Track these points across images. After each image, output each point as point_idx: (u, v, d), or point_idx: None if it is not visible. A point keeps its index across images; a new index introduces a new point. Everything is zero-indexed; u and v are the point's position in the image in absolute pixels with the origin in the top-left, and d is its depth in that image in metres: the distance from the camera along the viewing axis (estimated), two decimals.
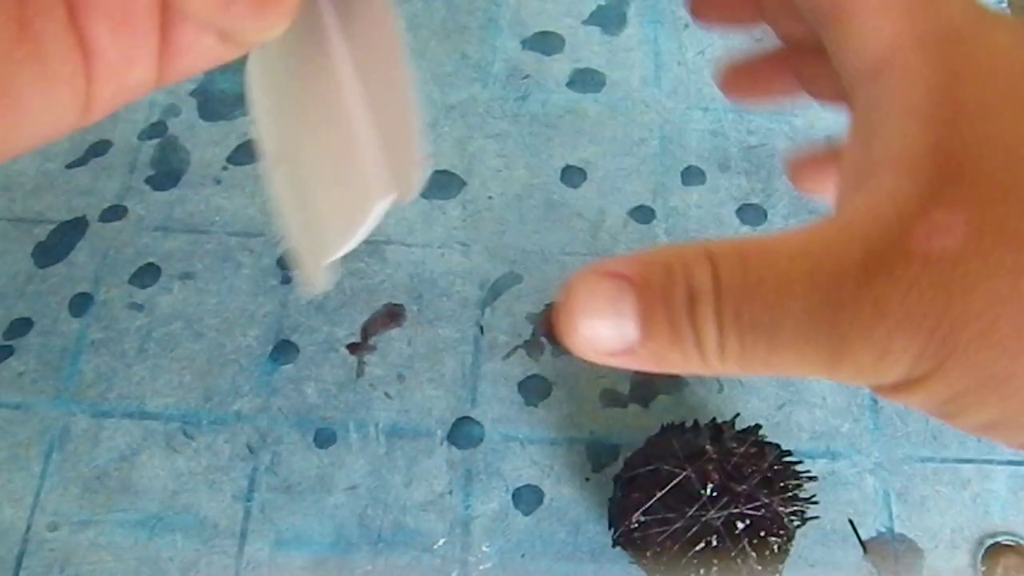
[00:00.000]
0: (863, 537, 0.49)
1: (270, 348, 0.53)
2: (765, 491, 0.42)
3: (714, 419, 0.47)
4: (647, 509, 0.42)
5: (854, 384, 0.17)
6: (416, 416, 0.51)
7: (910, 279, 0.15)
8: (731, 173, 0.62)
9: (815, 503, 0.43)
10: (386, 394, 0.52)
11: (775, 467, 0.43)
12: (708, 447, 0.43)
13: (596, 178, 0.61)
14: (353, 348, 0.54)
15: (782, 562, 0.42)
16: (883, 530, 0.50)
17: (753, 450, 0.43)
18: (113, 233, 0.57)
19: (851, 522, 0.50)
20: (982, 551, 0.49)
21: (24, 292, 0.55)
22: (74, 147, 0.61)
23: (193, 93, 0.64)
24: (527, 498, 0.50)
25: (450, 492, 0.49)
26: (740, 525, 0.41)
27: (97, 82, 0.19)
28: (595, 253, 0.58)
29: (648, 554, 0.42)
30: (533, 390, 0.53)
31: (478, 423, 0.52)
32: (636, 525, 0.42)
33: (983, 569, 0.49)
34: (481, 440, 0.51)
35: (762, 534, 0.41)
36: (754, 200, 0.61)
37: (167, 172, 0.60)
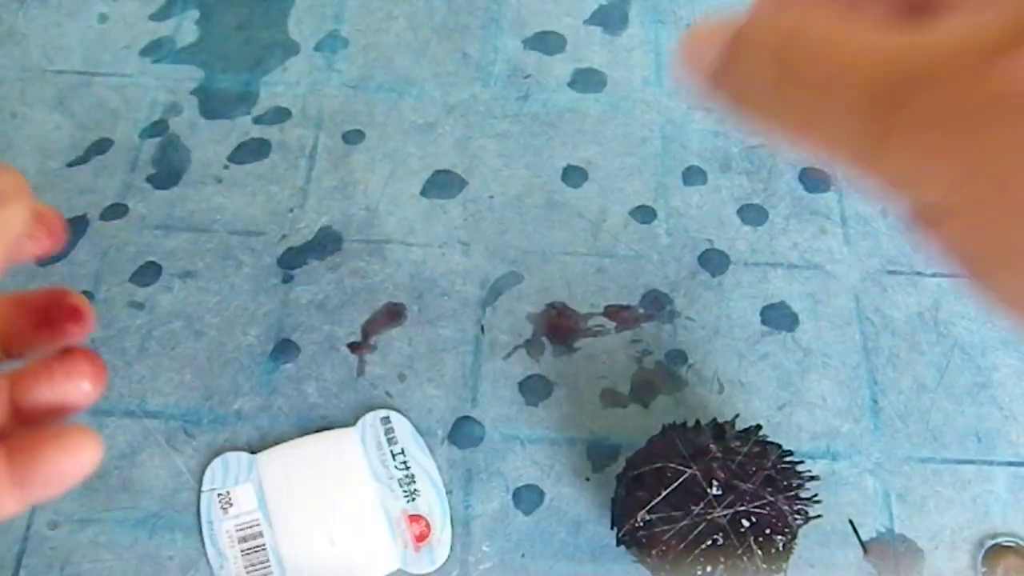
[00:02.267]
0: (863, 538, 0.49)
1: (271, 347, 0.53)
2: (769, 489, 0.42)
3: (715, 419, 0.47)
4: (652, 507, 0.42)
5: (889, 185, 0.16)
6: (416, 415, 0.51)
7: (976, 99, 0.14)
8: (732, 173, 0.62)
9: (818, 502, 0.43)
10: (387, 393, 0.52)
11: (778, 466, 0.43)
12: (712, 446, 0.43)
13: (597, 178, 0.61)
14: (354, 347, 0.54)
15: (786, 560, 0.42)
16: (883, 531, 0.50)
17: (756, 449, 0.43)
18: (114, 231, 0.57)
19: (851, 523, 0.50)
20: (982, 552, 0.49)
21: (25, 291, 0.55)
22: (75, 145, 0.61)
23: (195, 92, 0.64)
24: (527, 498, 0.50)
25: (450, 491, 0.49)
26: (745, 523, 0.41)
27: None
28: (596, 253, 0.58)
29: (653, 552, 0.42)
30: (534, 390, 0.53)
31: (478, 423, 0.52)
32: (641, 524, 0.42)
33: (983, 570, 0.49)
34: (481, 440, 0.51)
35: (767, 532, 0.41)
36: (755, 200, 0.61)
37: (168, 171, 0.60)
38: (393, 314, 0.55)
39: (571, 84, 0.65)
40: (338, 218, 0.58)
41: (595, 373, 0.53)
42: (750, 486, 0.41)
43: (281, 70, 0.65)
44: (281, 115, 0.63)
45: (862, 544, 0.49)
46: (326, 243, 0.57)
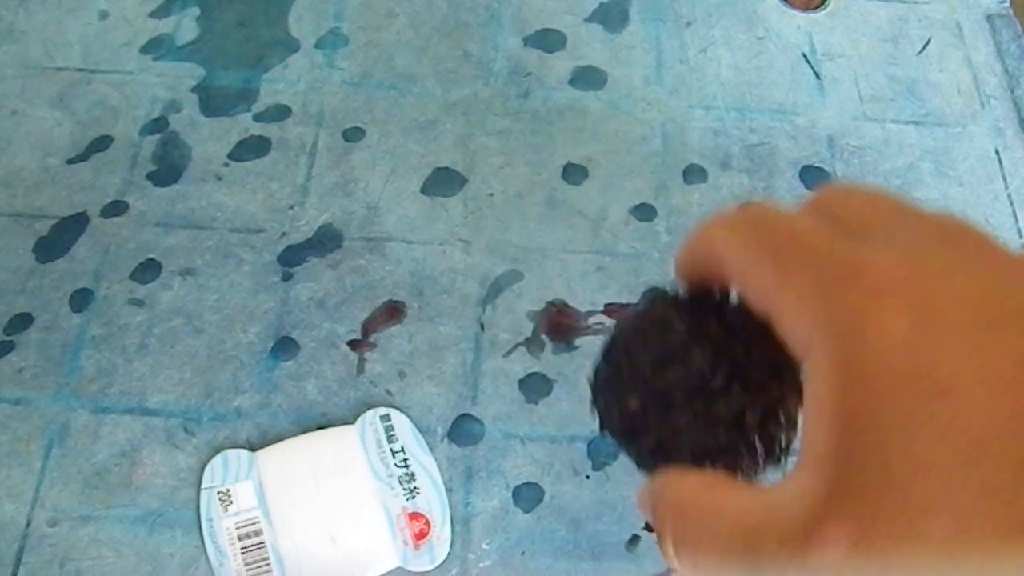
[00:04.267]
0: None
1: (271, 345, 0.53)
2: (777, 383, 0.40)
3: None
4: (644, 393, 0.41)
5: None
6: (417, 413, 0.51)
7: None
8: (732, 171, 0.62)
9: None
10: (387, 391, 0.52)
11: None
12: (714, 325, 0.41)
13: (598, 176, 0.61)
14: (354, 345, 0.54)
15: (786, 459, 0.41)
16: None
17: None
18: (114, 229, 0.57)
19: None
20: None
21: (25, 287, 0.55)
22: (75, 143, 0.61)
23: (194, 89, 0.64)
24: (527, 495, 0.50)
25: (450, 489, 0.49)
26: (750, 418, 0.40)
27: None
28: (596, 251, 0.58)
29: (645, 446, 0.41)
30: (534, 388, 0.53)
31: (478, 420, 0.52)
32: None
33: None
34: (481, 437, 0.51)
35: (770, 427, 0.40)
36: (756, 198, 0.60)
37: (168, 168, 0.60)
38: (393, 312, 0.55)
39: (571, 82, 0.65)
40: (338, 216, 0.58)
41: None
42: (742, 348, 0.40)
43: (281, 67, 0.65)
44: (281, 112, 0.63)
45: None
46: (326, 241, 0.57)
